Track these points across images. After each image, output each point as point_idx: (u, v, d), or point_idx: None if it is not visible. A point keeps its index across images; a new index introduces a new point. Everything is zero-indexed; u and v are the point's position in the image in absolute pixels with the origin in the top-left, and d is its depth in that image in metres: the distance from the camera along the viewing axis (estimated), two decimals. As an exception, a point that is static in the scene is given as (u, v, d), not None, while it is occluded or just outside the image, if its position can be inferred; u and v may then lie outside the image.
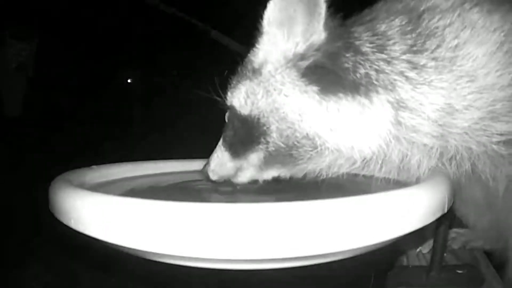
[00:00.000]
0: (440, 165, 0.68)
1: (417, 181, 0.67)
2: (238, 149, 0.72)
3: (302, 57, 0.66)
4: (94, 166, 0.76)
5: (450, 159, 0.67)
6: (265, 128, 0.68)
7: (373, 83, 0.64)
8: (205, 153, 0.77)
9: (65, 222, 0.52)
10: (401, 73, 0.64)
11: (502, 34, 0.64)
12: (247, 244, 0.44)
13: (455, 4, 0.66)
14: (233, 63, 0.75)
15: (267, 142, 0.69)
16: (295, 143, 0.67)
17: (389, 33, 0.66)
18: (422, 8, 0.67)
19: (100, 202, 0.49)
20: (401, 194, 0.51)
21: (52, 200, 0.56)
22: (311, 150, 0.68)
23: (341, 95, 0.64)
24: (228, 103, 0.73)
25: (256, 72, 0.71)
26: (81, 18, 2.91)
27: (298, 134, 0.67)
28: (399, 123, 0.64)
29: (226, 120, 0.74)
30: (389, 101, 0.63)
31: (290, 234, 0.44)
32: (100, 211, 0.48)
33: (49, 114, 2.94)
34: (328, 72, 0.65)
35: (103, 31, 3.07)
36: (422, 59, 0.64)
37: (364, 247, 0.47)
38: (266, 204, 0.45)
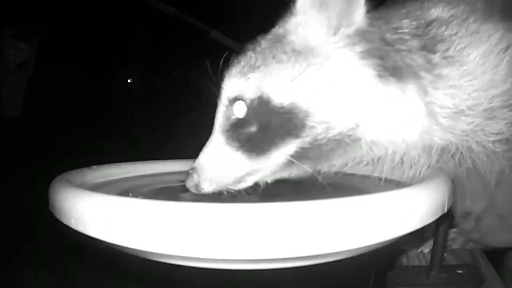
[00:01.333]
0: (441, 162, 0.69)
1: (414, 179, 0.67)
2: (260, 148, 0.64)
3: (353, 41, 0.64)
4: (94, 166, 0.76)
5: (452, 156, 0.69)
6: (311, 117, 0.62)
7: (407, 72, 0.64)
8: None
9: (65, 222, 0.52)
10: (422, 67, 0.65)
11: (498, 35, 0.67)
12: (247, 244, 0.44)
13: (456, 15, 0.69)
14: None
15: (307, 135, 0.62)
16: (336, 135, 0.63)
17: (401, 30, 0.67)
18: (428, 19, 0.68)
19: (100, 202, 0.49)
20: (401, 194, 0.51)
21: (52, 200, 0.56)
22: (348, 143, 0.64)
23: (392, 82, 0.63)
24: (252, 94, 0.64)
25: (300, 54, 0.64)
26: (81, 18, 2.91)
27: (346, 125, 0.63)
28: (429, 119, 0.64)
29: (239, 115, 0.65)
30: (420, 93, 0.64)
31: (290, 234, 0.44)
32: (100, 211, 0.48)
33: (49, 114, 2.94)
34: (377, 58, 0.63)
35: (103, 31, 3.07)
36: (435, 58, 0.65)
37: (364, 247, 0.47)
38: (266, 204, 0.45)
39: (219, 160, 0.65)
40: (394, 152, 0.67)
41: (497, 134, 0.66)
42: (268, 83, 0.63)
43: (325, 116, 0.62)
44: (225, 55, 0.70)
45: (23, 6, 2.65)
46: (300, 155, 0.64)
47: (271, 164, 0.65)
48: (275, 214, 0.44)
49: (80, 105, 3.22)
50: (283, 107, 0.62)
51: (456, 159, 0.69)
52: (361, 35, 0.64)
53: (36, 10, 2.72)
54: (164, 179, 0.81)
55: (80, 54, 3.12)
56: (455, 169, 0.71)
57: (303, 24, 0.66)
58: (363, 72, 0.63)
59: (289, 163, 0.65)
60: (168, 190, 0.75)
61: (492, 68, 0.65)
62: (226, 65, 0.69)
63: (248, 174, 0.65)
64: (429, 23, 0.68)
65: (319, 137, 0.63)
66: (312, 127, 0.62)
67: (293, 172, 0.68)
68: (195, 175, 0.65)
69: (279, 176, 0.68)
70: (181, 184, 0.68)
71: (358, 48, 0.64)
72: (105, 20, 3.02)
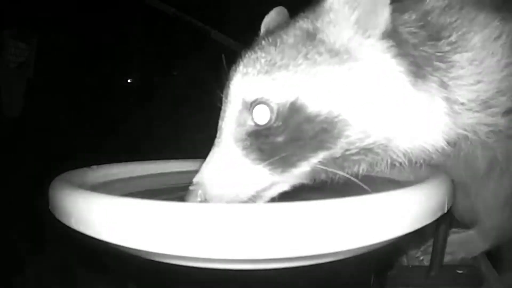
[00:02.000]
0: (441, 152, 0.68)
1: (416, 178, 0.67)
2: (288, 161, 0.56)
3: (387, 45, 0.60)
4: (94, 166, 0.76)
5: (451, 145, 0.68)
6: (349, 127, 0.56)
7: (427, 68, 0.62)
8: (206, 153, 0.67)
9: (65, 222, 0.52)
10: (435, 57, 0.63)
11: (494, 24, 0.66)
12: (247, 244, 0.44)
13: (451, 4, 0.68)
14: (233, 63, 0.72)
15: (340, 146, 0.57)
16: (370, 145, 0.59)
17: (408, 24, 0.65)
18: (424, 9, 0.67)
19: (100, 202, 0.49)
20: (401, 194, 0.51)
21: (52, 200, 0.56)
22: (377, 152, 0.61)
23: (420, 84, 0.60)
24: (280, 98, 0.55)
25: (337, 56, 0.58)
26: (81, 18, 2.91)
27: (383, 135, 0.59)
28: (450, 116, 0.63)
29: (259, 122, 0.56)
30: (440, 91, 0.62)
31: (290, 234, 0.44)
32: (101, 211, 0.48)
33: (49, 114, 2.94)
34: (407, 62, 0.60)
35: (103, 31, 3.07)
36: (442, 45, 0.64)
37: (364, 247, 0.47)
38: (266, 205, 0.45)
39: (234, 175, 0.56)
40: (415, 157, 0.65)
41: (489, 125, 0.67)
42: (302, 86, 0.55)
43: (364, 126, 0.57)
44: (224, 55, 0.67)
45: (23, 6, 2.65)
46: (329, 164, 0.59)
47: (296, 177, 0.59)
48: (275, 214, 0.44)
49: (80, 105, 3.22)
50: (320, 116, 0.55)
51: (456, 148, 0.69)
52: (391, 39, 0.61)
53: (36, 10, 2.72)
54: (165, 179, 0.81)
55: (80, 54, 3.11)
56: (454, 159, 0.71)
57: (335, 23, 0.60)
58: (401, 78, 0.59)
59: (313, 171, 0.59)
60: (169, 190, 0.75)
61: (491, 54, 0.65)
62: (224, 64, 0.63)
63: (267, 189, 0.58)
64: (428, 13, 0.67)
65: (352, 146, 0.58)
66: (348, 136, 0.57)
67: (316, 178, 0.63)
68: (200, 192, 0.56)
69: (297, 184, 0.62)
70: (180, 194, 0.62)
71: (394, 53, 0.60)
72: (105, 20, 3.01)
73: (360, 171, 0.64)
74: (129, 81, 4.09)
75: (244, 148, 0.57)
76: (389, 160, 0.64)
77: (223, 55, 0.65)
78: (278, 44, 0.59)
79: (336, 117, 0.55)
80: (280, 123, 0.56)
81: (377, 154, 0.62)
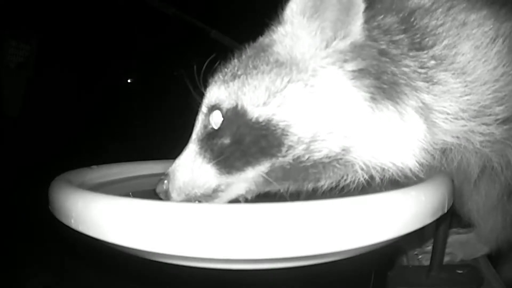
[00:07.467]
0: (436, 161, 0.67)
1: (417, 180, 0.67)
2: (233, 163, 0.58)
3: (345, 58, 0.58)
4: (94, 166, 0.77)
5: (444, 153, 0.68)
6: (290, 137, 0.56)
7: (404, 87, 0.59)
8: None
9: (65, 222, 0.52)
10: (417, 74, 0.60)
11: (486, 27, 0.63)
12: (247, 244, 0.44)
13: (440, 2, 0.65)
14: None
15: (284, 156, 0.57)
16: (323, 158, 0.57)
17: (390, 30, 0.62)
18: (408, 9, 0.64)
19: (100, 202, 0.49)
20: (401, 194, 0.51)
21: (52, 200, 0.57)
22: (338, 167, 0.59)
23: (387, 103, 0.57)
24: (228, 104, 0.59)
25: (283, 67, 0.58)
26: (81, 18, 2.91)
27: (333, 147, 0.57)
28: (429, 133, 0.60)
29: (214, 126, 0.61)
30: (418, 109, 0.59)
31: (290, 234, 0.44)
32: (100, 211, 0.48)
33: (49, 114, 2.94)
34: (372, 77, 0.58)
35: (103, 31, 3.07)
36: (424, 57, 0.61)
37: (364, 247, 0.47)
38: (267, 205, 0.45)
39: (190, 171, 0.61)
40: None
41: (483, 134, 0.64)
42: (246, 94, 0.58)
43: (306, 137, 0.57)
44: (210, 58, 0.66)
45: (23, 6, 2.65)
46: (281, 175, 0.59)
47: (245, 181, 0.60)
48: (276, 214, 0.44)
49: (80, 105, 3.22)
50: (258, 122, 0.57)
51: (449, 156, 0.68)
52: (357, 51, 0.58)
53: (36, 10, 2.72)
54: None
55: (80, 54, 3.12)
56: (447, 165, 0.70)
57: (291, 34, 0.61)
58: (352, 94, 0.57)
59: (266, 181, 0.59)
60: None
61: (483, 62, 0.62)
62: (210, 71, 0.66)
63: (220, 190, 0.60)
64: (412, 13, 0.64)
65: (302, 158, 0.57)
66: (291, 147, 0.57)
67: (273, 189, 0.63)
68: (165, 182, 0.62)
69: (258, 192, 0.63)
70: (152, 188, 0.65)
71: (350, 66, 0.58)
72: (105, 20, 3.01)
73: (324, 186, 0.63)
74: (129, 81, 4.09)
75: (201, 147, 0.61)
76: (354, 178, 0.62)
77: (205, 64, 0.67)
78: (240, 56, 0.63)
79: (275, 125, 0.57)
80: (226, 126, 0.59)
81: (337, 169, 0.60)
